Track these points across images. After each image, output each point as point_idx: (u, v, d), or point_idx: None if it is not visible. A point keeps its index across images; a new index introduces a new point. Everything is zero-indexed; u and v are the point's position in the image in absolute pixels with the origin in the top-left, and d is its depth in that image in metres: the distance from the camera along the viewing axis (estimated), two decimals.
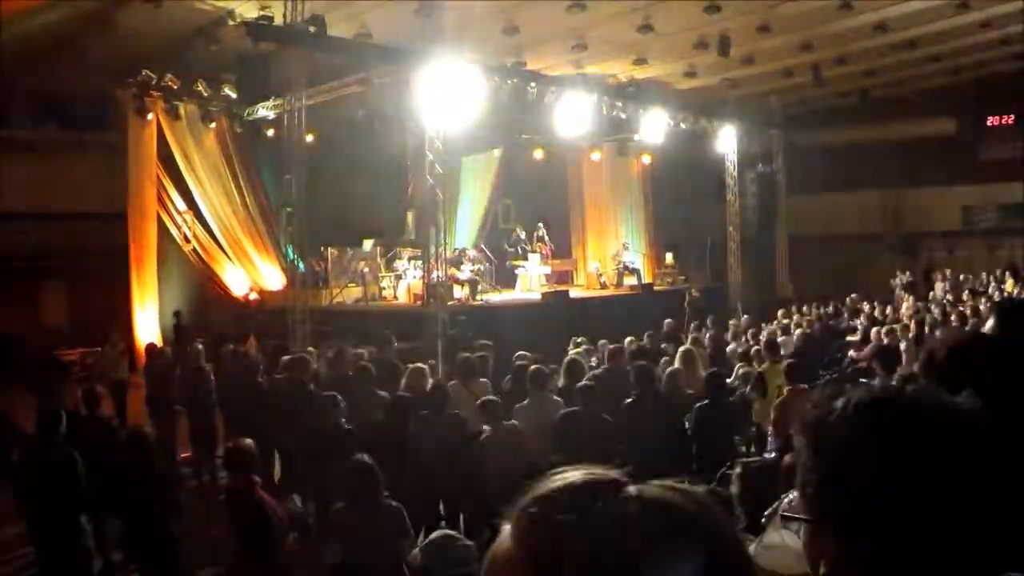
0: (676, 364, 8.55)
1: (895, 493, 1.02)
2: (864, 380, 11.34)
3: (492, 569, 0.80)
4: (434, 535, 3.48)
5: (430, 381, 7.61)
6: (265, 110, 16.86)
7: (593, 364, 9.72)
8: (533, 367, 7.61)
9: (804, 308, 16.26)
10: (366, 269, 17.82)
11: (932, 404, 1.09)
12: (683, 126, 19.29)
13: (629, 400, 7.14)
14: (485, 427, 6.64)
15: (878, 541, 1.03)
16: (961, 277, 20.52)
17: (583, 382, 7.41)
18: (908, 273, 21.41)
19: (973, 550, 1.02)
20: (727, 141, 20.86)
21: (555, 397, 7.40)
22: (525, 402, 7.16)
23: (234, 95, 16.93)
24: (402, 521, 4.82)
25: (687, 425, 7.24)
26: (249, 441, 5.38)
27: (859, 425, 1.07)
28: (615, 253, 21.25)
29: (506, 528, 0.81)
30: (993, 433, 1.08)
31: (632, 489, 0.81)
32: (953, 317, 13.16)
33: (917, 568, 1.02)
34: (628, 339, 10.27)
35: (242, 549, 5.22)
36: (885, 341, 10.97)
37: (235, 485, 5.25)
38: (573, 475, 0.83)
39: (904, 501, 1.02)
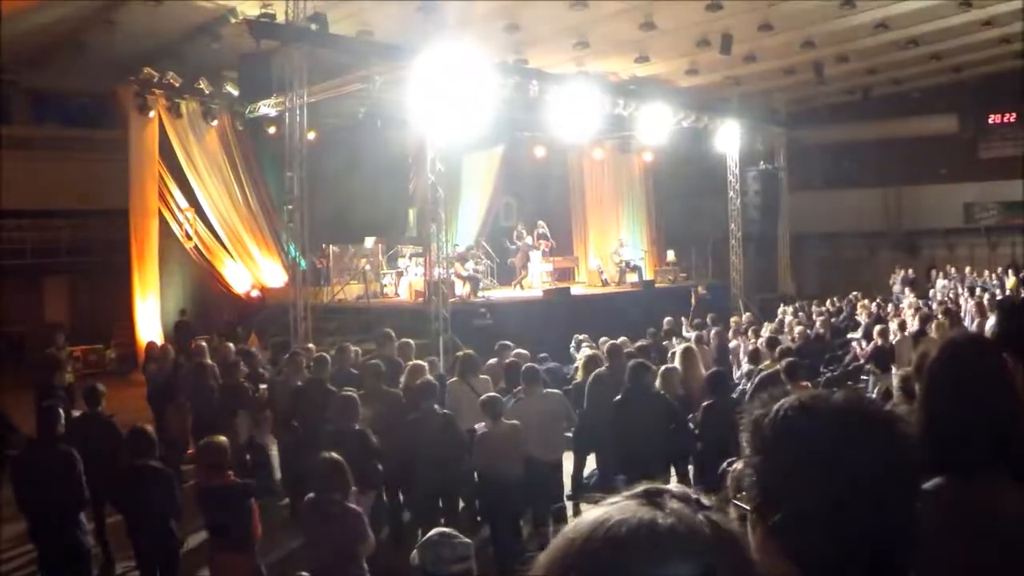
0: (676, 361, 8.53)
1: (798, 490, 1.09)
2: (864, 377, 11.40)
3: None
4: (431, 533, 3.48)
5: (429, 378, 7.60)
6: (267, 107, 16.84)
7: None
8: (526, 365, 7.61)
9: (806, 305, 16.24)
10: (368, 266, 17.82)
11: (844, 410, 1.15)
12: (685, 124, 19.24)
13: (619, 397, 7.09)
14: (483, 423, 6.62)
15: (789, 534, 1.09)
16: (963, 274, 20.50)
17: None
18: (910, 270, 21.39)
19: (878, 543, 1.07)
20: (729, 138, 20.79)
21: (551, 391, 7.43)
22: (521, 399, 7.16)
23: (236, 92, 16.91)
24: (360, 525, 4.78)
25: (691, 424, 7.23)
26: (222, 438, 5.36)
27: (776, 429, 1.15)
28: (613, 250, 21.26)
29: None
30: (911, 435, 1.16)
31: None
32: (954, 315, 13.14)
33: (822, 563, 1.07)
34: (622, 338, 10.21)
35: (221, 544, 5.26)
36: (879, 342, 10.98)
37: (209, 482, 5.26)
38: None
39: (806, 496, 1.08)
